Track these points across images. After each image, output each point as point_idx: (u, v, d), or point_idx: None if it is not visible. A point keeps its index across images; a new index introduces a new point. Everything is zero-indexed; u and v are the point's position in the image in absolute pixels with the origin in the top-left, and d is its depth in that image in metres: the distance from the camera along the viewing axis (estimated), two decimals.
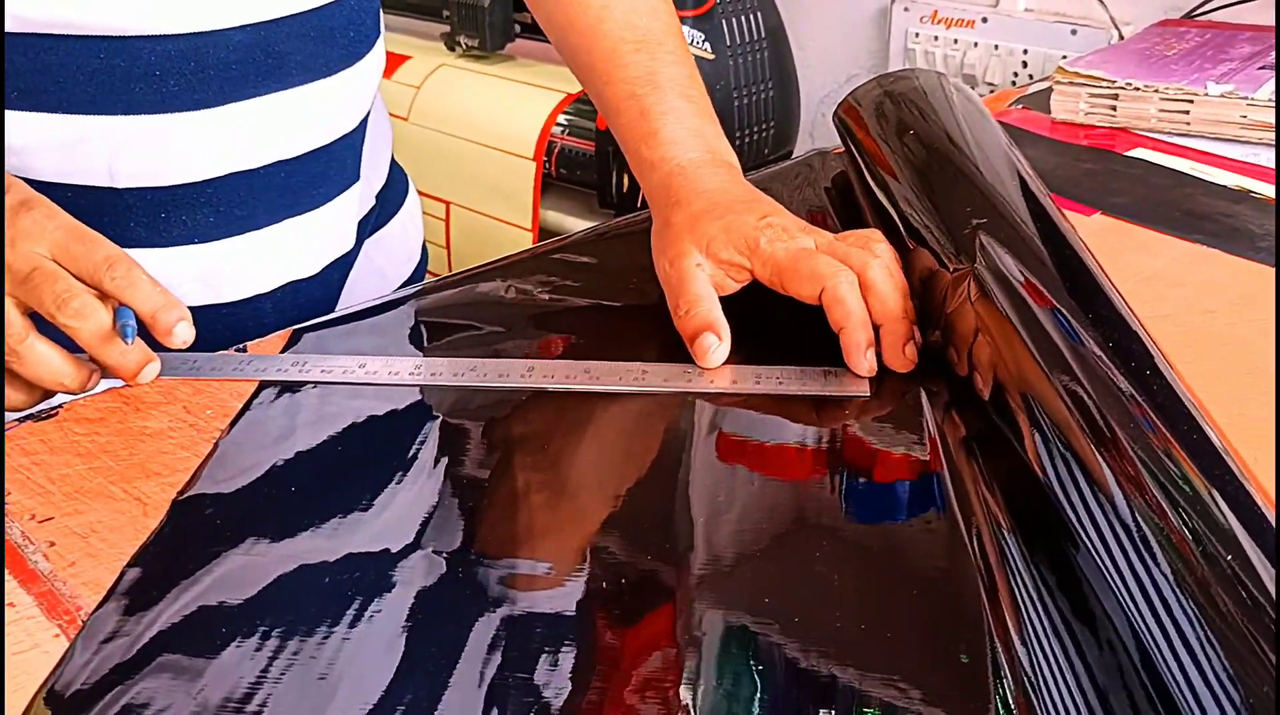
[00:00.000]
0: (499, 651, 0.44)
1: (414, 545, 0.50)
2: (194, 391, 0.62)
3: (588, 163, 1.74)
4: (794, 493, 0.53)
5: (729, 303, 0.65)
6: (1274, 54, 1.01)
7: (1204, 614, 0.41)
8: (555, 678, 0.43)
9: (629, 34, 0.74)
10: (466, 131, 1.90)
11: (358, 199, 0.80)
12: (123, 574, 0.49)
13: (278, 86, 0.70)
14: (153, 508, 0.53)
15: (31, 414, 0.60)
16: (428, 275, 0.93)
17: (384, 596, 0.47)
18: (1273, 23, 1.13)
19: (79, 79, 0.65)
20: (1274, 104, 0.92)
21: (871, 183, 0.75)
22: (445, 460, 0.57)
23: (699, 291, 0.64)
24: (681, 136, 0.71)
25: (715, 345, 0.62)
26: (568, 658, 0.44)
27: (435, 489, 0.54)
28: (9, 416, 0.61)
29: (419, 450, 0.57)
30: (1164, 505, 0.44)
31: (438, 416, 0.60)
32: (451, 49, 2.02)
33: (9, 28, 0.64)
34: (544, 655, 0.44)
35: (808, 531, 0.51)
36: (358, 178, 0.79)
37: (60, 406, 0.61)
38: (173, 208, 0.70)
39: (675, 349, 0.65)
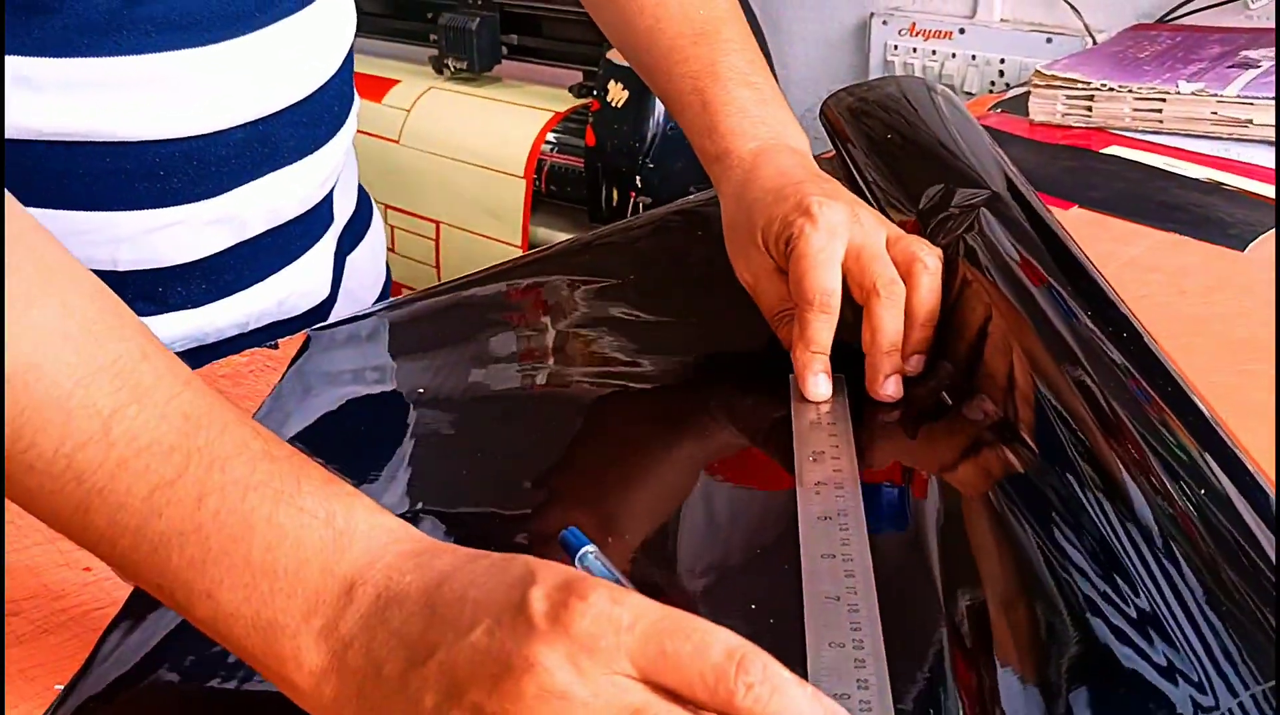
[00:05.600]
0: None
1: (423, 512, 0.55)
2: (232, 384, 0.66)
3: (578, 179, 1.78)
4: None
5: None
6: (1241, 53, 1.05)
7: (1206, 585, 0.43)
8: None
9: (687, 28, 0.74)
10: (457, 152, 1.94)
11: (335, 236, 0.84)
12: None
13: (271, 169, 0.73)
14: None
15: None
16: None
17: None
18: (1240, 25, 1.18)
19: (85, 180, 0.66)
20: (1242, 101, 0.96)
21: (861, 183, 0.80)
22: (454, 439, 0.62)
23: (810, 327, 0.61)
24: (743, 127, 0.70)
25: (821, 382, 0.60)
26: None
27: (438, 463, 0.60)
28: None
29: (430, 429, 0.62)
30: (1165, 480, 0.47)
31: (453, 400, 0.64)
32: (440, 72, 2.06)
33: (13, 136, 0.64)
34: None
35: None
36: (333, 218, 0.83)
37: None
38: (170, 281, 0.72)
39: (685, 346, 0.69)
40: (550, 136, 1.82)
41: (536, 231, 1.84)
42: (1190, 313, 0.71)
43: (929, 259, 0.62)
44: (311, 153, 0.75)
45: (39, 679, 0.46)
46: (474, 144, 1.92)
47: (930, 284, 0.61)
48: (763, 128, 0.70)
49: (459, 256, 1.95)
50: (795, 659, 0.43)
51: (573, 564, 0.44)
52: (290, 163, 0.73)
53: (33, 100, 0.63)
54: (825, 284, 0.60)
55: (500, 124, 1.91)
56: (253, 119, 0.70)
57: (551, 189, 1.82)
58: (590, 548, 0.45)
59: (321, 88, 0.75)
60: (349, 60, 0.80)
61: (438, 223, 1.99)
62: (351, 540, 0.40)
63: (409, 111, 2.04)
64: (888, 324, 0.60)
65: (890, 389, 0.60)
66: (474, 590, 0.38)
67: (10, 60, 0.61)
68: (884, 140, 0.79)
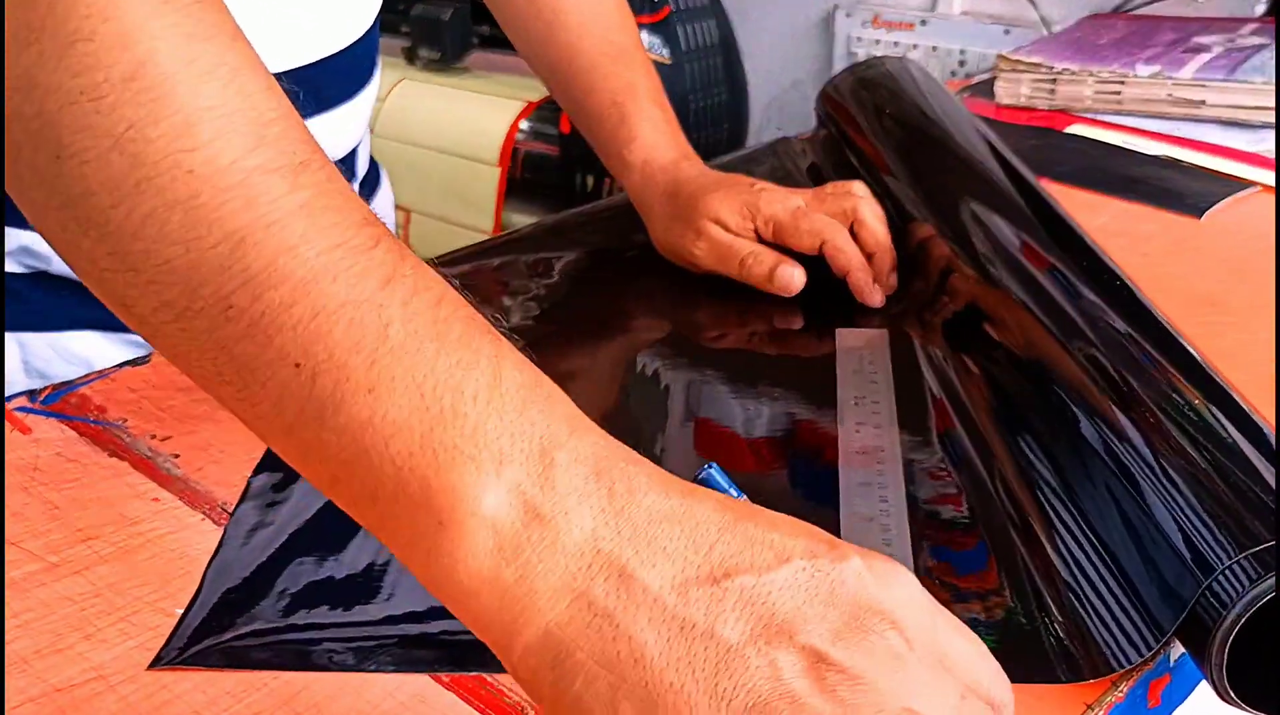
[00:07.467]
0: None
1: None
2: None
3: (552, 166, 1.83)
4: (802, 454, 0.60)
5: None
6: (1193, 39, 1.12)
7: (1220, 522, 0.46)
8: None
9: (608, 48, 0.83)
10: (432, 141, 1.98)
11: (355, 188, 0.89)
12: (255, 475, 0.57)
13: (316, 112, 0.78)
14: None
15: (130, 360, 0.68)
16: None
17: None
18: (1191, 15, 1.24)
19: None
20: (1195, 83, 1.03)
21: (859, 167, 0.85)
22: None
23: (752, 244, 0.74)
24: (659, 140, 0.80)
25: (795, 271, 0.72)
26: None
27: None
28: (103, 364, 0.68)
29: None
30: (1182, 442, 0.50)
31: None
32: (411, 62, 2.10)
33: None
34: None
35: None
36: (355, 175, 0.89)
37: (153, 352, 0.68)
38: None
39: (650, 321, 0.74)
40: (524, 124, 1.87)
41: (511, 217, 1.89)
42: (1153, 273, 0.76)
43: (855, 198, 0.74)
44: (348, 100, 0.81)
45: (129, 591, 0.50)
46: (448, 133, 1.96)
47: (869, 212, 0.74)
48: (673, 143, 0.81)
49: (428, 244, 1.99)
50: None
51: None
52: (332, 108, 0.79)
53: None
54: (820, 224, 0.74)
55: (474, 113, 1.95)
56: (305, 64, 0.76)
57: (526, 176, 1.87)
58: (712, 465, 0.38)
59: (359, 40, 0.81)
60: (378, 20, 0.86)
61: (408, 211, 2.03)
62: (554, 400, 0.33)
63: (383, 102, 2.07)
64: (846, 247, 0.73)
65: (878, 298, 0.73)
66: (754, 518, 0.32)
67: None
68: (883, 115, 0.85)
